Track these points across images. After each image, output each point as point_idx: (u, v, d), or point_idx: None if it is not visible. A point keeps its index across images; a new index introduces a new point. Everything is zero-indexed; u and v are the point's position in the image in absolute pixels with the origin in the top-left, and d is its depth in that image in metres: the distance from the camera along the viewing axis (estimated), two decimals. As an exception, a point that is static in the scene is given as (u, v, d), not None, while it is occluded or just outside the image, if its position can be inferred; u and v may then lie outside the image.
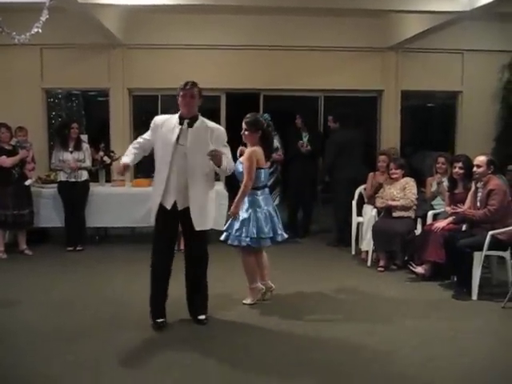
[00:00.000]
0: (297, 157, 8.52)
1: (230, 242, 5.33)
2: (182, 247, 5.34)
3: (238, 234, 5.26)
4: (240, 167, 5.22)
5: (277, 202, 8.57)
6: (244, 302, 5.47)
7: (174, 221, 4.75)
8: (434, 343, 4.53)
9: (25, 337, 4.62)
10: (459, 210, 5.97)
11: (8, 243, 7.70)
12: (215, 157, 4.50)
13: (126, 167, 4.72)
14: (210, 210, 4.79)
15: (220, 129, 4.86)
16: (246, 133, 5.32)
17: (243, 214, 5.26)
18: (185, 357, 4.21)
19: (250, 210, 5.28)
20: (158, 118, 4.84)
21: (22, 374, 3.92)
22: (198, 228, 4.65)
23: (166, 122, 4.70)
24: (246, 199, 5.28)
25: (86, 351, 4.33)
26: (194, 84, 4.75)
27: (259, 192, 5.34)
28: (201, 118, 4.79)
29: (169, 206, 4.64)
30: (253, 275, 5.48)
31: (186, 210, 4.63)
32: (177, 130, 4.63)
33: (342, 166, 7.92)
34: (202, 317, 4.88)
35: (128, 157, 4.77)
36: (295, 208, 8.90)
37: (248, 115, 5.44)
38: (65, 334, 4.70)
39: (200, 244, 4.82)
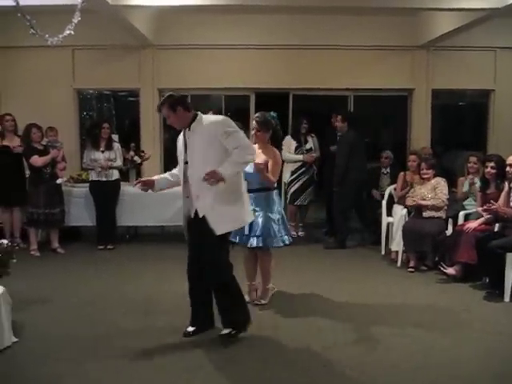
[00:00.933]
0: (332, 157, 8.46)
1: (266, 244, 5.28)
2: None
3: (280, 234, 5.30)
4: (248, 167, 4.96)
5: (308, 201, 8.60)
6: (261, 302, 5.45)
7: (196, 229, 4.56)
8: (465, 345, 4.47)
9: (57, 334, 4.70)
10: (493, 206, 5.87)
11: (41, 241, 7.83)
12: (209, 180, 4.24)
13: (148, 183, 4.71)
14: (226, 213, 4.44)
15: (216, 122, 4.44)
16: (259, 133, 5.29)
17: (276, 215, 5.30)
18: (212, 358, 4.22)
19: (280, 209, 5.37)
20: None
21: (52, 373, 3.98)
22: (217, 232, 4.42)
23: (180, 137, 4.65)
24: (275, 198, 5.32)
25: (116, 348, 4.39)
26: (162, 104, 4.46)
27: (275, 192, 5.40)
28: (197, 120, 4.47)
29: (192, 215, 4.56)
30: (270, 275, 5.52)
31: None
32: (181, 143, 4.58)
33: (352, 168, 7.83)
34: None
35: (158, 175, 4.92)
36: (330, 209, 8.88)
37: (258, 114, 5.42)
38: (96, 331, 4.76)
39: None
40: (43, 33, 5.39)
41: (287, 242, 5.38)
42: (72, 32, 5.58)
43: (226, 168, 4.26)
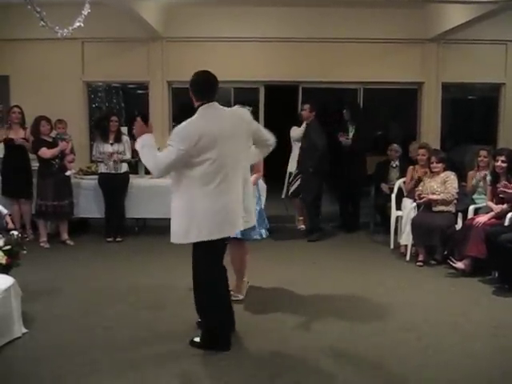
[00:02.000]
0: (342, 149, 8.47)
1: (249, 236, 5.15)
2: None
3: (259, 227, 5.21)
4: None
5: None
6: (238, 298, 5.25)
7: None
8: (474, 339, 4.46)
9: (66, 325, 4.73)
10: (509, 191, 5.82)
11: (50, 233, 7.87)
12: None
13: None
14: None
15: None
16: None
17: (256, 207, 5.09)
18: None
19: (259, 202, 5.36)
20: None
21: (63, 363, 4.01)
22: None
23: None
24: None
25: (125, 339, 4.42)
26: None
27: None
28: None
29: None
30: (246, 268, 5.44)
31: None
32: None
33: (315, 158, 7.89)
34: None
35: None
36: (342, 202, 8.87)
37: (237, 107, 5.08)
38: (104, 322, 4.79)
39: None
40: (53, 25, 5.39)
41: (264, 236, 5.31)
42: (81, 24, 5.59)
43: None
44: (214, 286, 4.25)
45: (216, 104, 4.17)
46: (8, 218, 5.91)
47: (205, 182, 3.98)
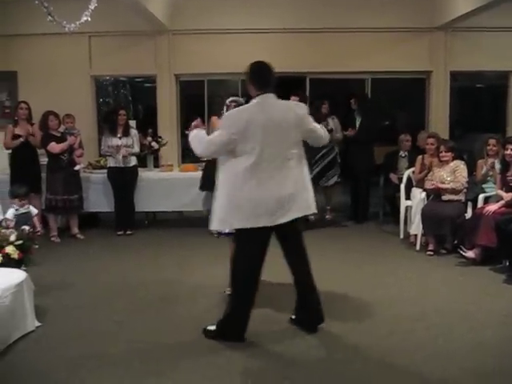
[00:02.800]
0: (350, 139, 8.47)
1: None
2: None
3: None
4: None
5: (332, 182, 8.53)
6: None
7: None
8: (485, 328, 4.45)
9: (78, 318, 4.77)
10: None
11: (61, 228, 7.92)
12: None
13: None
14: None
15: None
16: None
17: None
18: (232, 344, 4.24)
19: None
20: None
21: (76, 355, 4.04)
22: None
23: None
24: None
25: (137, 332, 4.45)
26: None
27: None
28: None
29: None
30: None
31: None
32: None
33: None
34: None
35: None
36: (351, 193, 8.88)
37: (235, 99, 5.15)
38: (115, 315, 4.83)
39: None
40: (60, 20, 5.40)
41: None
42: (89, 18, 5.60)
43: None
44: (246, 277, 4.24)
45: (272, 95, 4.21)
46: (36, 220, 6.08)
47: (247, 171, 4.03)
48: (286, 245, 4.35)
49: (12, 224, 5.37)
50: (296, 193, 4.16)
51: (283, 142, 4.10)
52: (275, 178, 4.08)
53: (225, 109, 5.06)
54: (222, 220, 4.18)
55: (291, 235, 4.32)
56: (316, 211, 4.48)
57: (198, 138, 4.28)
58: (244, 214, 4.06)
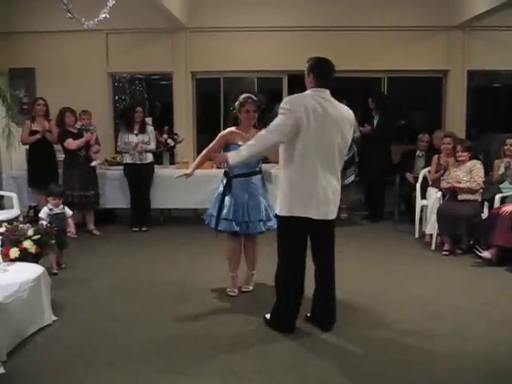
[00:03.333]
0: (368, 138, 8.45)
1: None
2: None
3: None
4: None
5: (349, 181, 8.43)
6: (249, 288, 5.35)
7: None
8: (501, 328, 4.44)
9: (94, 313, 4.81)
10: None
11: (77, 223, 7.95)
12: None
13: None
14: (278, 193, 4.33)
15: None
16: (256, 114, 5.15)
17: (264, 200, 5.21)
18: (248, 338, 4.27)
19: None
20: None
21: (92, 348, 4.08)
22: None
23: None
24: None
25: (153, 327, 4.47)
26: None
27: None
28: None
29: None
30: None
31: None
32: None
33: None
34: None
35: None
36: (367, 192, 8.86)
37: (249, 95, 5.16)
38: (130, 310, 4.87)
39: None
40: (79, 17, 5.44)
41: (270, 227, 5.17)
42: (107, 15, 5.63)
43: (236, 153, 4.35)
44: (294, 267, 4.28)
45: (328, 92, 4.24)
46: (71, 221, 6.05)
47: (301, 162, 4.08)
48: (317, 240, 4.36)
49: (43, 224, 5.34)
50: (337, 192, 4.29)
51: (335, 138, 4.15)
52: (327, 171, 4.16)
53: (236, 105, 5.10)
54: (277, 204, 4.23)
55: (327, 231, 4.35)
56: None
57: (256, 141, 4.17)
58: (293, 200, 4.14)
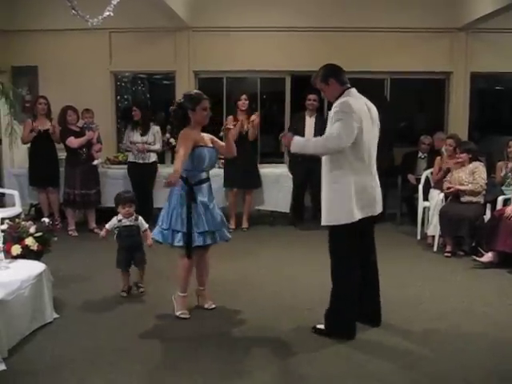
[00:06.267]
0: None
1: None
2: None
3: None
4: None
5: None
6: (211, 306, 4.87)
7: None
8: (503, 329, 4.44)
9: (95, 311, 4.82)
10: None
11: (78, 222, 7.97)
12: None
13: None
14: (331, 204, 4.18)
15: (337, 103, 4.19)
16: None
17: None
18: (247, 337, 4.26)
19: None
20: None
21: (93, 346, 4.08)
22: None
23: None
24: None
25: (155, 325, 4.48)
26: (315, 77, 4.46)
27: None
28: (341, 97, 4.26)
29: None
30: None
31: None
32: None
33: None
34: None
35: None
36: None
37: (198, 91, 4.95)
38: (132, 309, 4.89)
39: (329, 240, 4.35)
40: (84, 14, 5.44)
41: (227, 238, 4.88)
42: (112, 14, 5.62)
43: (303, 145, 4.25)
44: (352, 273, 4.26)
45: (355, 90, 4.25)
46: (148, 234, 5.18)
47: (360, 164, 4.13)
48: (367, 237, 4.46)
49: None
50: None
51: (376, 134, 4.30)
52: (373, 170, 4.27)
53: (186, 103, 4.72)
54: (349, 213, 4.09)
55: (371, 228, 4.46)
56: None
57: (325, 142, 4.08)
58: (367, 203, 4.20)
